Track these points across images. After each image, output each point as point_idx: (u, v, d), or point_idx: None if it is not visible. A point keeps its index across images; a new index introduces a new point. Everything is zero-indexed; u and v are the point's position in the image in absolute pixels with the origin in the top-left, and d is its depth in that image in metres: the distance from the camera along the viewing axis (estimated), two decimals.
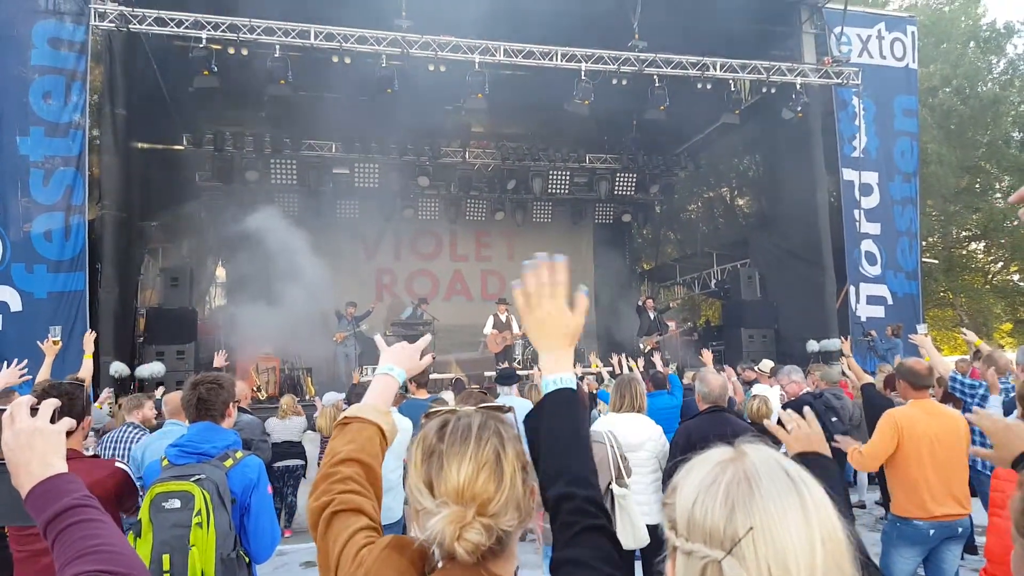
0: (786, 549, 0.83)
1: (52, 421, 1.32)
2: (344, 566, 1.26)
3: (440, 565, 1.18)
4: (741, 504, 0.87)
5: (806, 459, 1.69)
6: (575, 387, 1.37)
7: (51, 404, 1.35)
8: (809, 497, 0.88)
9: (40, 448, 1.27)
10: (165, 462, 2.86)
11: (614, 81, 11.76)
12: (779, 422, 2.00)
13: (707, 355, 8.28)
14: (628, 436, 4.57)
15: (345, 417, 1.51)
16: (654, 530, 4.46)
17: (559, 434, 1.31)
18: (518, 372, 7.53)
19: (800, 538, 0.84)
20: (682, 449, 4.20)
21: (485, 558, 1.16)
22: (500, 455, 1.20)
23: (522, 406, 6.48)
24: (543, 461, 1.28)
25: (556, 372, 1.39)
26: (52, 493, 1.21)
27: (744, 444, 0.96)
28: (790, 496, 0.87)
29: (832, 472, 1.66)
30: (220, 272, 18.37)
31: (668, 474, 4.17)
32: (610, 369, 9.08)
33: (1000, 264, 24.28)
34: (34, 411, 1.33)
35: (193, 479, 2.68)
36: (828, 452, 1.74)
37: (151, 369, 10.21)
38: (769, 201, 14.74)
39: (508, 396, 6.54)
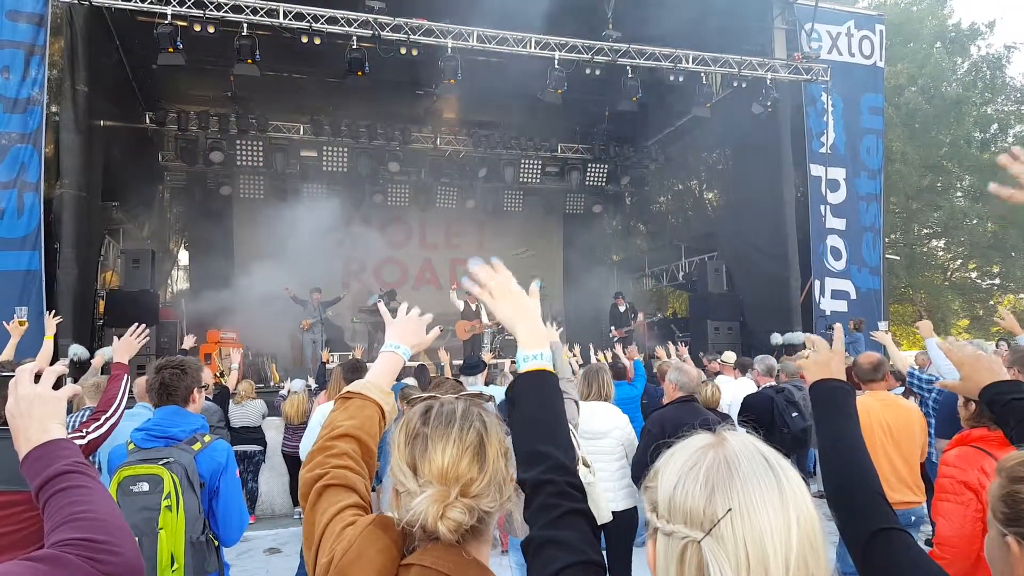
0: (763, 530, 0.87)
1: (55, 388, 1.34)
2: (328, 540, 1.27)
3: (420, 545, 1.21)
4: (720, 487, 0.90)
5: (825, 387, 1.62)
6: (552, 366, 1.38)
7: (54, 371, 1.36)
8: (786, 481, 0.91)
9: (39, 414, 1.28)
10: (131, 446, 2.86)
11: (587, 71, 11.82)
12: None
13: (683, 349, 8.43)
14: (595, 424, 4.66)
15: (348, 392, 1.53)
16: (621, 515, 4.57)
17: (537, 416, 1.31)
18: (484, 361, 7.57)
19: (777, 520, 0.88)
20: (655, 438, 4.28)
21: (465, 539, 1.19)
22: (484, 439, 1.24)
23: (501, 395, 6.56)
24: (519, 443, 1.29)
25: (533, 347, 1.38)
26: (45, 459, 1.22)
27: (724, 431, 0.99)
28: (767, 480, 0.90)
29: (850, 402, 1.59)
30: (183, 255, 18.10)
31: (644, 460, 4.26)
32: (580, 361, 9.18)
33: (959, 262, 25.00)
34: (37, 378, 1.34)
35: (162, 462, 2.69)
36: (844, 377, 1.66)
37: (111, 351, 10.05)
38: (737, 195, 14.96)
39: (473, 387, 6.59)
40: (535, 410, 1.32)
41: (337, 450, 1.39)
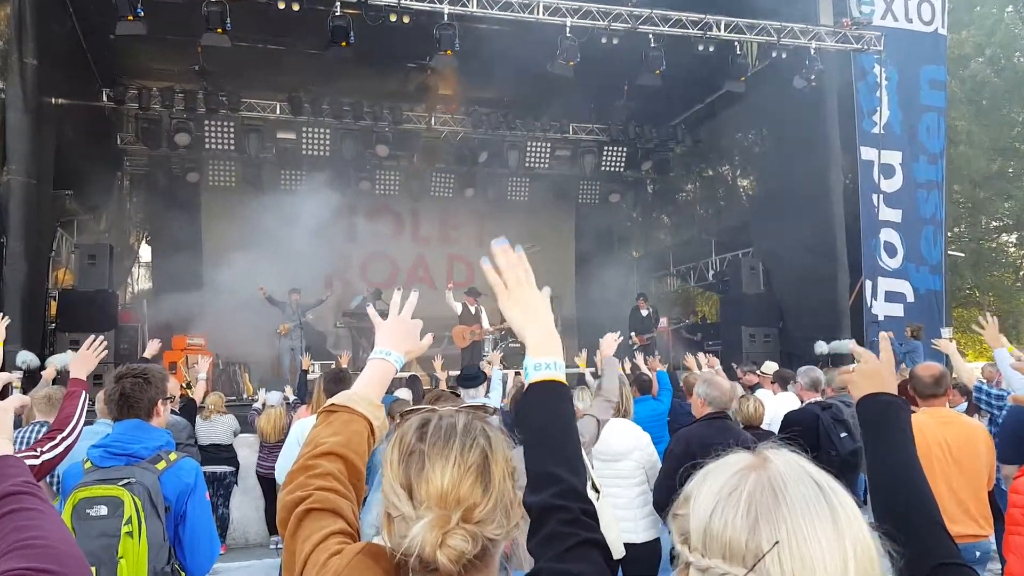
0: (815, 565, 0.85)
1: (0, 398, 1.35)
2: (311, 571, 1.27)
3: None
4: (766, 515, 0.88)
5: (875, 402, 1.64)
6: (564, 377, 1.40)
7: (0, 379, 1.39)
8: (840, 508, 0.89)
9: None
10: (88, 464, 2.90)
11: (603, 40, 11.84)
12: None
13: (713, 360, 8.44)
14: (612, 443, 4.68)
15: (332, 405, 1.55)
16: (641, 548, 4.59)
17: (546, 432, 1.32)
18: (485, 372, 7.60)
19: (831, 553, 0.85)
20: (679, 459, 4.31)
21: (467, 570, 1.18)
22: (488, 458, 1.24)
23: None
24: (526, 462, 1.30)
25: (544, 355, 1.40)
26: None
27: (766, 449, 0.98)
28: (819, 506, 0.88)
29: (903, 418, 1.61)
30: (144, 250, 18.21)
31: (668, 485, 4.27)
32: (592, 370, 9.20)
33: None
34: None
35: (122, 483, 2.73)
36: (897, 390, 1.68)
37: (63, 360, 10.11)
38: (776, 182, 14.94)
39: (473, 400, 6.62)
40: (544, 426, 1.33)
41: (321, 470, 1.40)
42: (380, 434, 1.55)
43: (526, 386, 1.41)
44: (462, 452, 1.23)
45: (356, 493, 1.44)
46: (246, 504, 8.99)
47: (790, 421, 5.94)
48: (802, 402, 6.53)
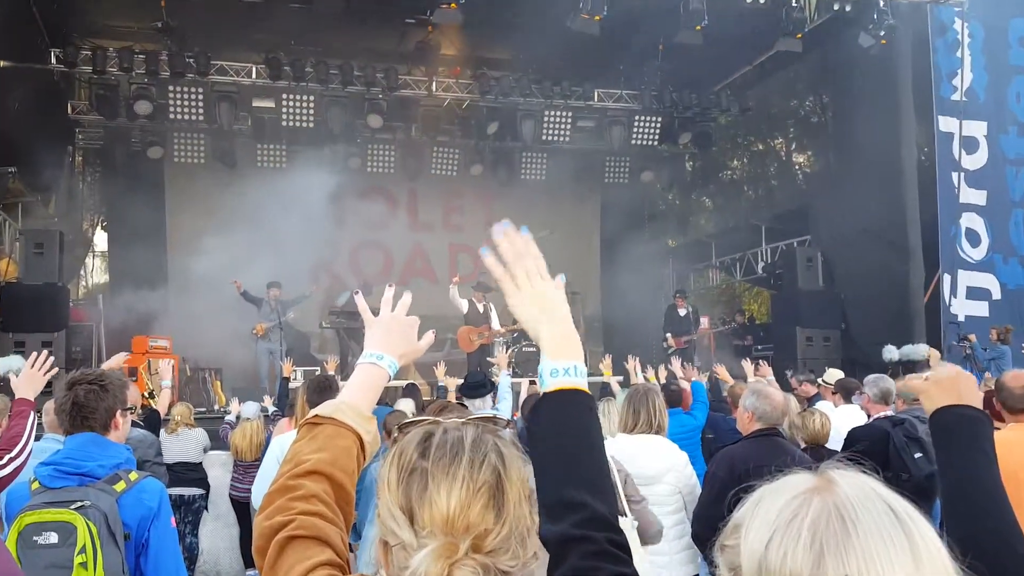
0: None
1: None
2: None
3: None
4: (833, 547, 0.88)
5: (950, 416, 1.64)
6: (586, 385, 1.40)
7: None
8: (920, 538, 0.89)
9: None
10: (36, 484, 2.93)
11: None
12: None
13: (765, 369, 8.42)
14: (643, 465, 4.68)
15: (316, 416, 1.55)
16: None
17: (567, 451, 1.33)
18: (492, 381, 7.61)
19: None
20: (722, 484, 4.30)
21: None
22: (501, 478, 1.24)
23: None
24: (542, 487, 1.31)
25: (562, 358, 1.41)
26: None
27: (831, 469, 0.98)
28: (896, 537, 0.88)
29: (984, 435, 1.61)
30: (100, 238, 18.33)
31: (711, 513, 4.27)
32: (620, 379, 9.21)
33: None
34: None
35: (75, 507, 2.75)
36: (978, 403, 1.68)
37: (7, 365, 10.21)
38: (838, 158, 14.87)
39: (479, 412, 6.62)
40: (564, 443, 1.34)
41: (304, 491, 1.41)
42: (371, 450, 1.56)
43: (541, 395, 1.42)
44: (471, 470, 1.23)
45: (345, 518, 1.44)
46: (217, 532, 9.03)
47: (855, 438, 5.92)
48: (869, 417, 6.51)
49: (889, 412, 6.38)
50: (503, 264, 1.50)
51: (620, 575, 1.21)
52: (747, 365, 8.58)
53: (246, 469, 8.41)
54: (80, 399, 3.04)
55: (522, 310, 1.49)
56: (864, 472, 0.98)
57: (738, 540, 0.97)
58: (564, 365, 1.40)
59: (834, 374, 8.92)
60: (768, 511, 0.95)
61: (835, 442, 6.42)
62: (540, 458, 1.35)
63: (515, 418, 7.53)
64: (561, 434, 1.35)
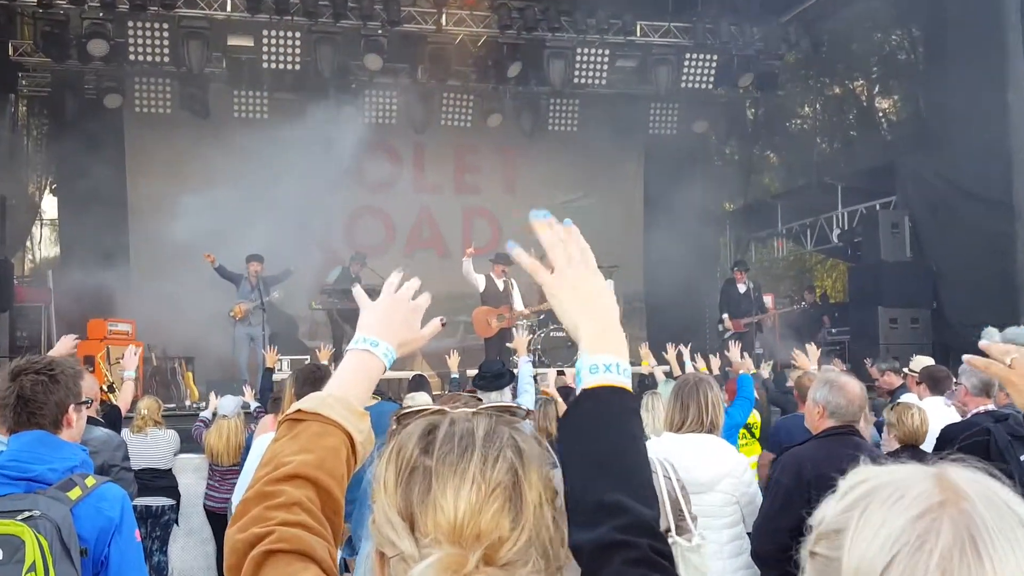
0: None
1: None
2: None
3: None
4: None
5: None
6: (629, 383, 1.42)
7: None
8: None
9: None
10: None
11: None
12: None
13: (812, 351, 8.37)
14: (694, 470, 4.67)
15: (299, 411, 1.55)
16: None
17: (606, 452, 1.35)
18: (511, 371, 7.63)
19: None
20: (788, 493, 4.29)
21: None
22: (519, 476, 1.24)
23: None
24: (577, 491, 1.33)
25: (603, 353, 1.43)
26: None
27: (950, 471, 0.98)
28: None
29: None
30: (49, 203, 18.42)
31: (776, 527, 4.27)
32: (667, 369, 9.20)
33: None
34: None
35: (22, 517, 2.76)
36: None
37: None
38: (931, 103, 14.71)
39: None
40: (603, 444, 1.36)
41: (284, 498, 1.40)
42: (363, 452, 1.56)
43: (578, 393, 1.43)
44: (483, 468, 1.22)
45: (332, 529, 1.44)
46: (190, 549, 9.12)
47: (950, 437, 5.89)
48: (964, 412, 6.47)
49: (990, 405, 6.34)
50: (541, 253, 1.54)
51: None
52: (812, 350, 8.53)
53: (223, 475, 8.47)
54: (26, 392, 3.04)
55: (559, 298, 1.52)
56: (991, 475, 0.97)
57: (837, 552, 0.97)
58: (605, 361, 1.42)
59: (921, 361, 8.87)
60: (887, 526, 0.94)
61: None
62: (575, 461, 1.36)
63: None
64: (600, 435, 1.37)
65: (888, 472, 1.00)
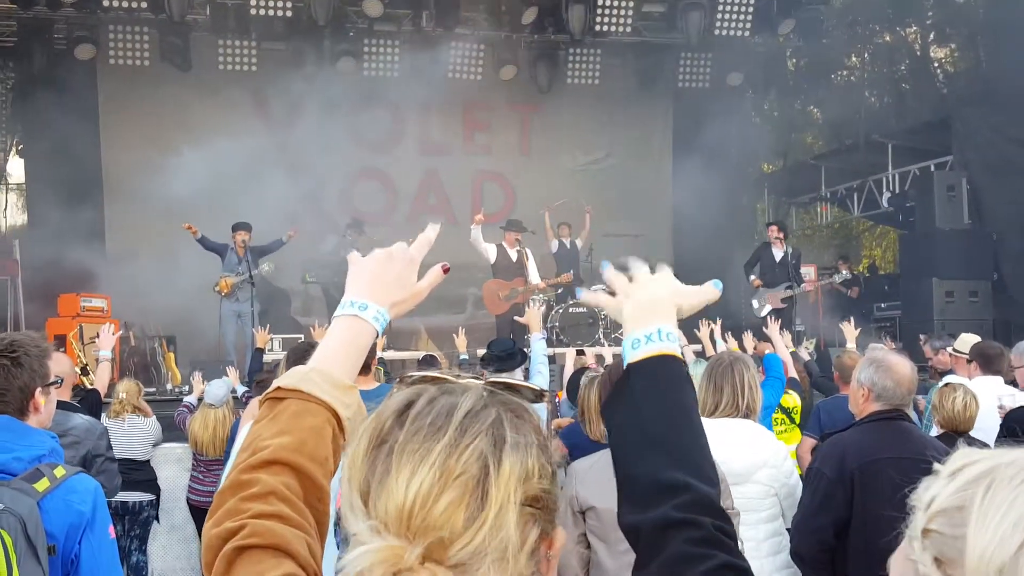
0: None
1: None
2: None
3: None
4: None
5: None
6: (678, 350, 1.46)
7: None
8: None
9: None
10: None
11: None
12: None
13: (849, 329, 8.36)
14: (730, 459, 4.66)
15: (278, 389, 1.54)
16: None
17: (659, 426, 1.40)
18: (522, 350, 7.64)
19: None
20: (830, 484, 4.28)
21: None
22: (489, 468, 1.19)
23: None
24: (632, 469, 1.39)
25: (644, 325, 1.49)
26: None
27: None
28: None
29: None
30: (15, 165, 18.46)
31: (818, 524, 4.28)
32: (698, 348, 9.21)
33: None
34: None
35: None
36: None
37: None
38: (992, 53, 14.60)
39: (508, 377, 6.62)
40: (656, 420, 1.40)
41: (259, 488, 1.39)
42: (352, 428, 1.52)
43: (624, 370, 1.47)
44: (449, 453, 1.18)
45: (317, 518, 1.43)
46: (172, 547, 9.19)
47: (1014, 421, 5.89)
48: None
49: None
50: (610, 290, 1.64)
51: (731, 566, 1.26)
52: (849, 329, 8.51)
53: (208, 467, 8.50)
54: None
55: (621, 308, 1.58)
56: None
57: (961, 529, 0.98)
58: (646, 331, 1.48)
59: (967, 340, 8.82)
60: (1018, 506, 0.96)
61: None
62: (625, 440, 1.42)
63: (557, 400, 7.58)
64: (649, 410, 1.41)
65: (1003, 454, 1.02)
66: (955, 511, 0.99)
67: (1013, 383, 7.02)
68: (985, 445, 5.78)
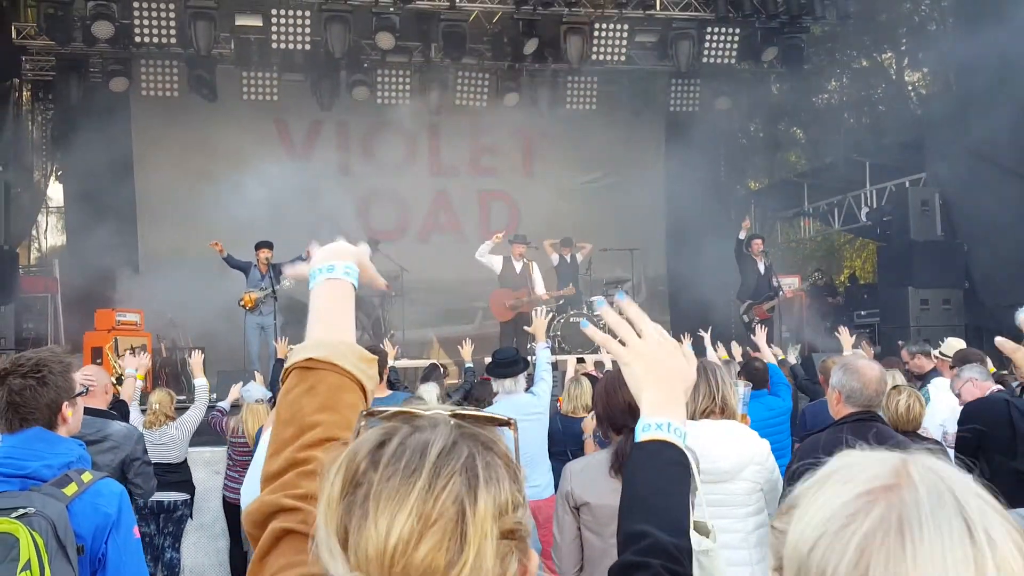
0: None
1: None
2: None
3: None
4: (878, 568, 0.89)
5: None
6: (680, 441, 1.59)
7: None
8: (990, 559, 0.89)
9: None
10: None
11: None
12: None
13: (868, 348, 8.34)
14: (716, 456, 4.65)
15: (311, 359, 1.52)
16: None
17: (642, 495, 1.58)
18: (525, 358, 7.61)
19: None
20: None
21: None
22: (465, 507, 1.13)
23: (526, 407, 6.55)
24: (620, 524, 1.57)
25: (661, 415, 1.61)
26: None
27: (915, 459, 1.00)
28: (957, 557, 0.89)
29: None
30: (55, 190, 18.49)
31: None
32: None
33: None
34: None
35: (16, 515, 2.76)
36: None
37: None
38: (964, 76, 14.58)
39: (510, 395, 6.62)
40: (643, 487, 1.59)
41: (315, 465, 1.34)
42: (371, 398, 1.54)
43: (633, 445, 1.63)
44: (426, 497, 1.12)
45: None
46: (202, 545, 9.15)
47: (969, 415, 5.92)
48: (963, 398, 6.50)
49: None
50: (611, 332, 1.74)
51: None
52: (843, 335, 8.51)
53: (246, 465, 8.46)
54: (15, 398, 3.04)
55: (631, 367, 1.68)
56: (966, 467, 1.01)
57: (787, 525, 1.01)
58: (657, 422, 1.61)
59: (953, 344, 8.83)
60: (825, 504, 0.97)
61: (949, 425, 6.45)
62: (622, 503, 1.60)
63: (559, 406, 7.54)
64: (641, 478, 1.59)
65: (859, 455, 1.03)
66: (789, 510, 1.01)
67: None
68: (939, 443, 5.81)
